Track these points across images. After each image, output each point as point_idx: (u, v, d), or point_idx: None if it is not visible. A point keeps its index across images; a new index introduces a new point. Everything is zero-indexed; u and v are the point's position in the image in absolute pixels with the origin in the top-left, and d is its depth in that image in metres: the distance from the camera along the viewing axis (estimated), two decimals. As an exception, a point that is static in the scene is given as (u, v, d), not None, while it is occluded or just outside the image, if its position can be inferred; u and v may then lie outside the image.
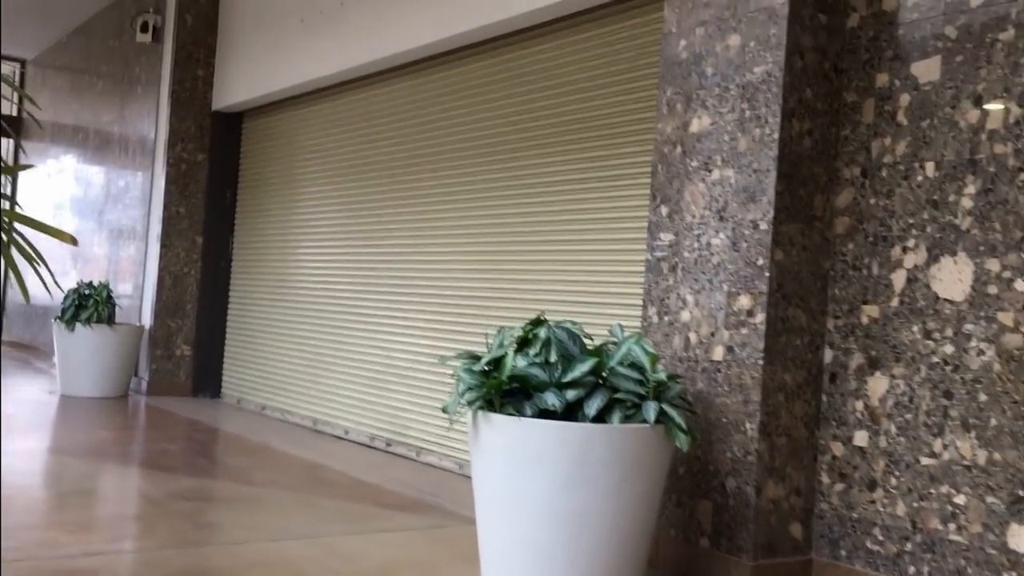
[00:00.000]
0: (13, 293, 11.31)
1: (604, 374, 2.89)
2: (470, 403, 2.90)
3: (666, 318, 3.33)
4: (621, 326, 3.14)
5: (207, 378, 7.64)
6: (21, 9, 9.28)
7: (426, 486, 4.63)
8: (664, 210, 3.37)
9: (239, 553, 3.27)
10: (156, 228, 7.58)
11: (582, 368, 2.83)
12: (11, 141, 11.68)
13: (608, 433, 2.72)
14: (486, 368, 3.01)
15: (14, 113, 11.64)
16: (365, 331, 5.96)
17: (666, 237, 3.35)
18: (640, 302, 3.67)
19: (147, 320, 7.56)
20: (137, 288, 7.81)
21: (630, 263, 4.08)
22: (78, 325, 7.12)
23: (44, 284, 1.90)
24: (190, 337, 7.59)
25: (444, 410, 3.11)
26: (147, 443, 5.49)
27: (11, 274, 1.89)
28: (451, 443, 5.16)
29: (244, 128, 7.69)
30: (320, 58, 6.19)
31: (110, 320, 7.24)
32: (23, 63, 11.54)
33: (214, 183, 7.64)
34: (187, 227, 7.57)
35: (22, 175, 11.46)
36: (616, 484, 2.72)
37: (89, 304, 7.20)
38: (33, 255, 1.80)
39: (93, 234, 9.03)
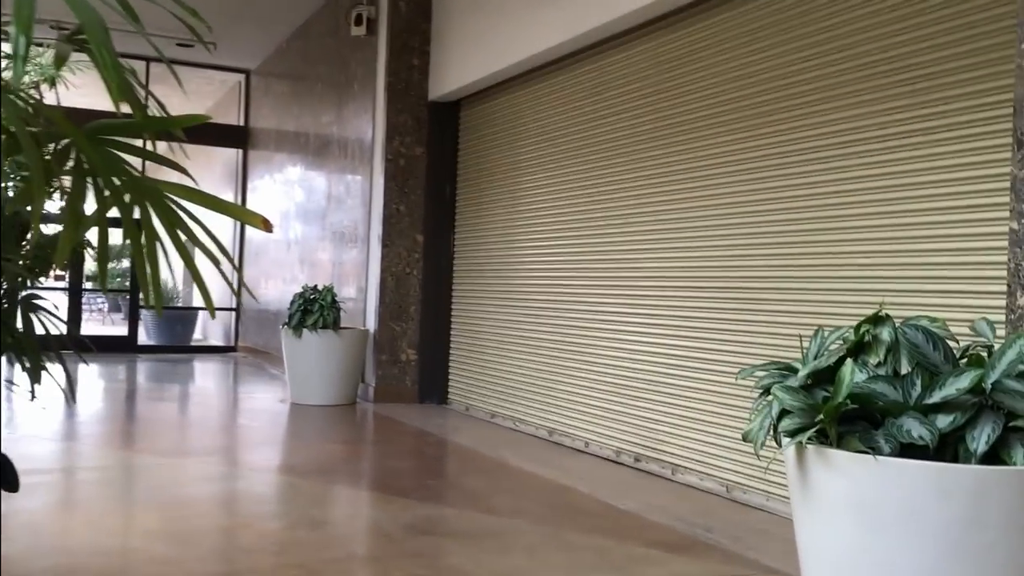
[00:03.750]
0: (248, 298, 11.54)
1: (985, 390, 2.05)
2: (790, 432, 2.14)
3: (1048, 309, 2.42)
4: (989, 321, 2.28)
5: (433, 384, 7.25)
6: (240, 18, 9.32)
7: (694, 516, 3.89)
8: (1037, 161, 2.46)
9: (490, 612, 2.67)
10: (377, 228, 7.27)
11: (958, 384, 2.01)
12: (239, 151, 11.95)
13: (1014, 479, 1.89)
14: (807, 383, 2.25)
15: (241, 123, 11.90)
16: (606, 332, 5.29)
17: (1043, 197, 2.44)
18: (1002, 287, 2.76)
19: (371, 324, 7.27)
20: (360, 291, 7.55)
21: (977, 237, 3.13)
22: (305, 331, 6.91)
23: (232, 288, 1.36)
24: (414, 341, 7.22)
25: (745, 438, 2.36)
26: (377, 459, 5.08)
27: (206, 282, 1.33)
28: (714, 460, 4.39)
29: (462, 117, 7.24)
30: (544, 29, 5.58)
31: (335, 325, 6.99)
32: (247, 74, 11.75)
33: (433, 178, 7.24)
34: (407, 225, 7.21)
35: (251, 193, 11.67)
36: (1027, 554, 1.88)
37: (315, 309, 6.97)
38: (211, 248, 1.25)
39: (318, 239, 8.92)
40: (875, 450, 1.97)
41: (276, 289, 10.19)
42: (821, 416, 2.02)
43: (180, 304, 14.12)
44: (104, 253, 1.33)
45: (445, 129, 7.25)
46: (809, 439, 2.07)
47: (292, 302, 7.08)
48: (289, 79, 10.25)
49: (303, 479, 4.44)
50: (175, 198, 1.26)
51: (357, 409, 6.87)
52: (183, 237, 1.28)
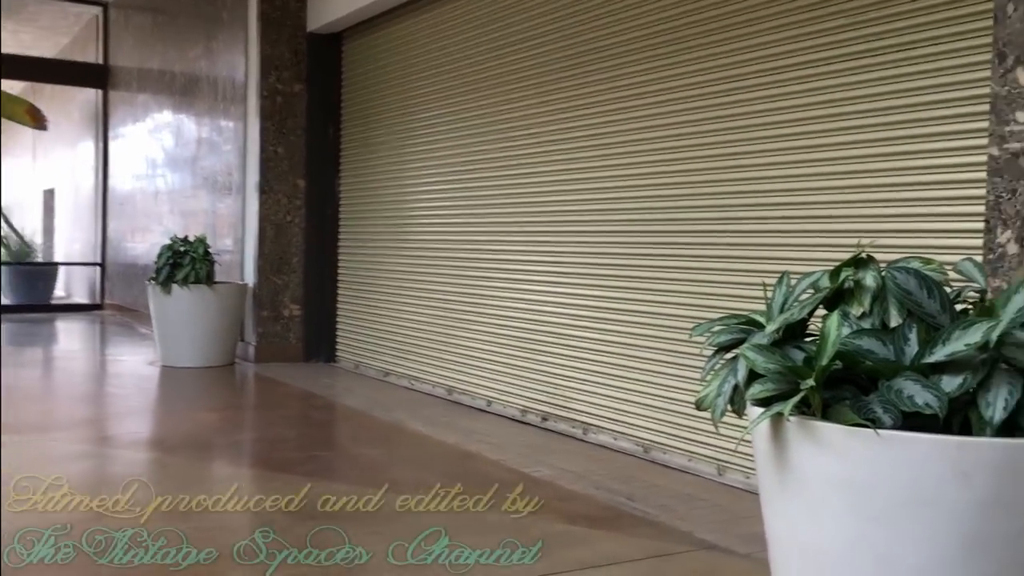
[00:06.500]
0: (114, 252, 10.66)
1: (990, 344, 1.71)
2: (763, 401, 1.77)
3: (1036, 247, 2.12)
4: (975, 261, 1.96)
5: (320, 341, 6.72)
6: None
7: (613, 482, 3.55)
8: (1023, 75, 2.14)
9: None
10: (253, 173, 6.63)
11: (967, 337, 1.66)
12: (99, 92, 10.93)
13: (1044, 455, 1.56)
14: (776, 339, 1.88)
15: (100, 60, 10.88)
16: (508, 282, 4.88)
17: (1029, 119, 2.13)
18: (978, 224, 2.46)
19: (250, 278, 6.67)
20: (237, 242, 6.92)
21: (952, 169, 2.82)
22: (174, 286, 6.27)
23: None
24: (298, 295, 6.67)
25: (700, 406, 2.00)
26: (259, 428, 4.57)
27: None
28: (629, 419, 4.06)
29: (345, 50, 6.63)
30: (435, -51, 5.04)
31: (209, 279, 6.36)
32: (105, 6, 10.72)
33: (314, 117, 6.64)
34: (287, 169, 6.60)
35: (114, 140, 10.66)
36: (1057, 543, 1.56)
37: (185, 262, 6.33)
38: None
39: (190, 187, 8.17)
40: (875, 422, 1.61)
41: (146, 242, 9.38)
42: (810, 381, 1.64)
43: (40, 259, 13.04)
44: None
45: (327, 63, 6.64)
46: (791, 410, 1.70)
47: (160, 255, 6.42)
48: (151, 11, 9.35)
49: (172, 456, 3.90)
50: None
51: (236, 371, 6.30)
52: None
